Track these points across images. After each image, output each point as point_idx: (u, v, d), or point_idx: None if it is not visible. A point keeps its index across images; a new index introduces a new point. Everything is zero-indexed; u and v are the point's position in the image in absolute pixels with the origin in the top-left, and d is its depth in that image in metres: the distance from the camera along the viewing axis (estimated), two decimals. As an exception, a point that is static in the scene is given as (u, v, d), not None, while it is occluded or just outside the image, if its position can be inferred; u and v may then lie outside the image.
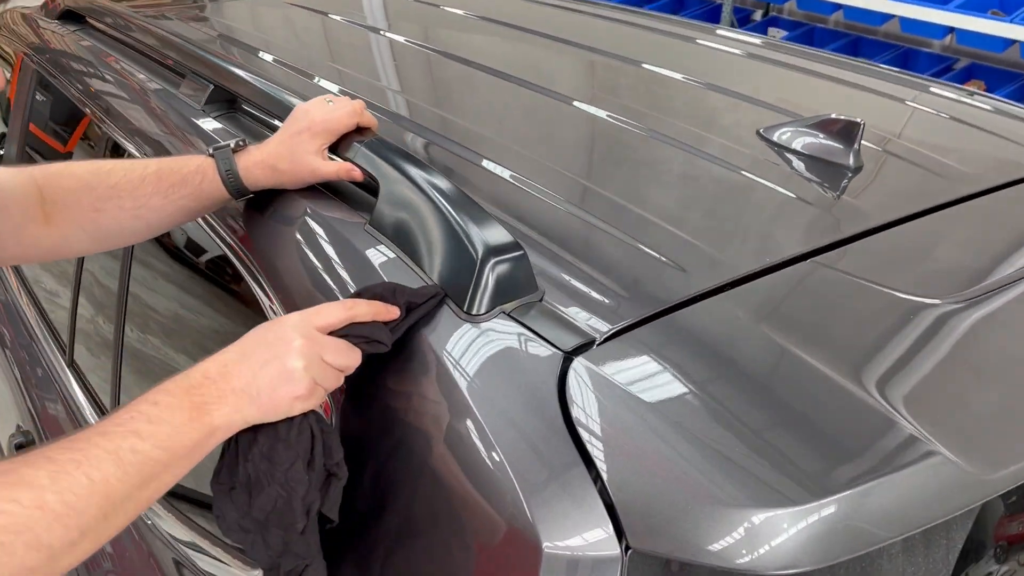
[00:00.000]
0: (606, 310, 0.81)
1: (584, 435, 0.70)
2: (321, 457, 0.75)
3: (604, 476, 0.68)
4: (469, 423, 0.73)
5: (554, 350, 0.76)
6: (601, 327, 0.78)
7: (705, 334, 0.80)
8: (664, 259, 0.89)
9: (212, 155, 0.99)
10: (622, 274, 0.88)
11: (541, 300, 0.82)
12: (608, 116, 1.28)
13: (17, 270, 1.86)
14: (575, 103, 1.33)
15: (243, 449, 0.75)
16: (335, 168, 0.97)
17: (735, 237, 0.98)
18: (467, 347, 0.78)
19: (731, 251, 0.94)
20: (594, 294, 0.83)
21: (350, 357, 0.76)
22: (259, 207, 1.03)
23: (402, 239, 0.89)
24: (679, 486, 0.66)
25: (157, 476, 0.67)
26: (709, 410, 0.71)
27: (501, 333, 0.78)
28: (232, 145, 0.99)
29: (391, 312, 0.78)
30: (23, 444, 1.51)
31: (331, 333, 0.77)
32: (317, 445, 0.74)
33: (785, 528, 0.64)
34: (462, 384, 0.75)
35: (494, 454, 0.71)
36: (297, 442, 0.74)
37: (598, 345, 0.76)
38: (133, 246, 1.26)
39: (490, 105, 1.38)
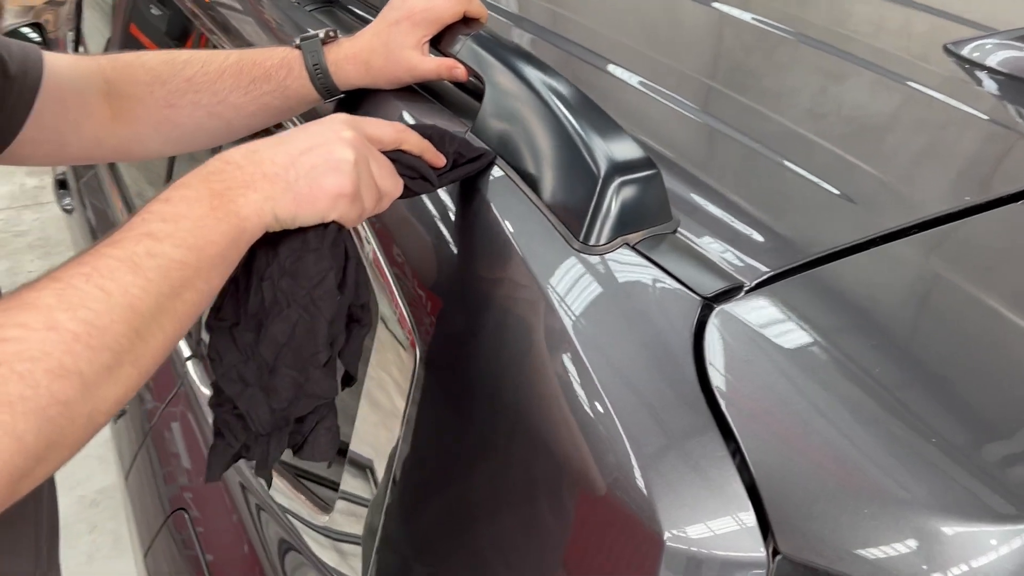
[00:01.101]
0: (759, 249, 0.65)
1: (723, 402, 0.55)
2: (354, 285, 0.62)
3: (746, 454, 0.53)
4: (575, 373, 0.59)
5: (691, 295, 0.60)
6: (752, 270, 0.62)
7: (887, 290, 0.63)
8: (832, 189, 0.72)
9: (299, 47, 0.86)
10: (779, 205, 0.71)
11: (675, 232, 0.67)
12: (757, 20, 1.08)
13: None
14: (716, 3, 1.14)
15: (258, 268, 0.61)
16: (435, 65, 0.83)
17: (921, 168, 0.79)
18: (579, 283, 0.63)
19: (918, 185, 0.76)
20: (743, 228, 0.67)
21: (394, 182, 0.65)
22: (349, 110, 0.90)
23: (509, 150, 0.74)
24: (849, 480, 0.51)
25: (188, 281, 0.54)
26: (892, 388, 0.55)
27: (623, 269, 0.63)
28: (321, 36, 0.86)
29: (439, 159, 0.69)
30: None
31: None
32: (351, 266, 0.62)
33: (993, 547, 0.48)
34: (568, 326, 0.61)
35: (603, 410, 0.57)
36: (331, 254, 0.61)
37: (747, 292, 0.60)
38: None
39: (618, 3, 1.20)
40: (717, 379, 0.56)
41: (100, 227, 1.84)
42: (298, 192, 0.59)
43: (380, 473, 0.81)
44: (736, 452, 0.54)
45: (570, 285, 0.64)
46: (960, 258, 0.66)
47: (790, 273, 0.62)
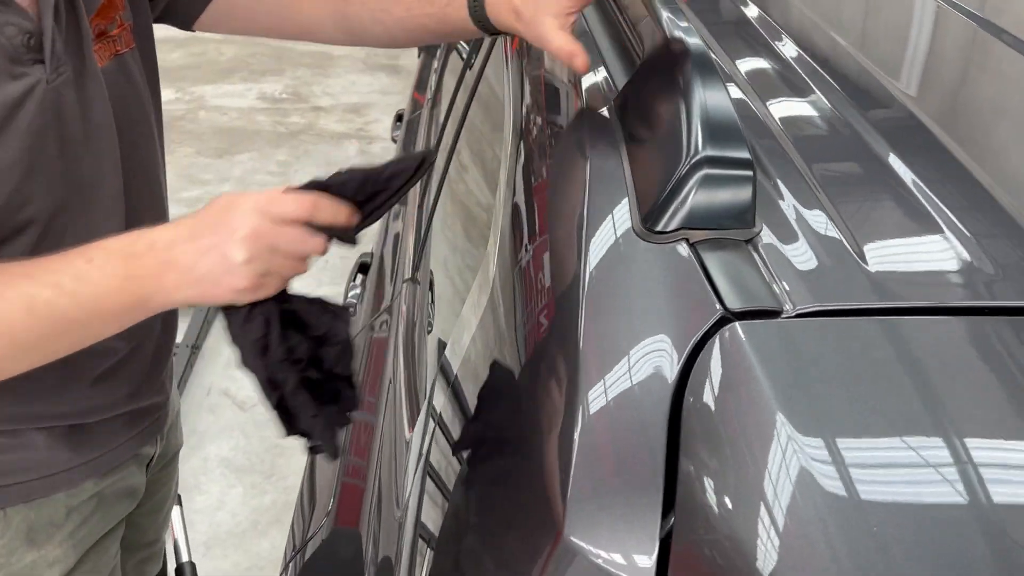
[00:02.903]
0: (843, 280, 0.55)
1: (686, 442, 0.49)
2: (278, 345, 0.69)
3: (676, 524, 0.47)
4: (568, 363, 0.56)
5: (715, 304, 0.54)
6: (811, 296, 0.53)
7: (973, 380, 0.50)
8: (981, 251, 0.58)
9: None
10: (904, 248, 0.60)
11: (750, 242, 0.59)
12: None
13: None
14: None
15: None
16: (560, 44, 0.80)
17: None
18: (618, 267, 0.59)
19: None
20: (846, 256, 0.57)
21: (309, 244, 0.68)
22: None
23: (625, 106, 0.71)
24: None
25: (72, 332, 0.66)
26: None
27: (667, 264, 0.58)
28: None
29: (351, 219, 0.70)
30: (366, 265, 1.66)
31: None
32: (272, 332, 0.69)
33: None
34: (582, 311, 0.58)
35: (568, 411, 0.53)
36: (244, 331, 0.69)
37: (786, 317, 0.52)
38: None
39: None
40: (694, 411, 0.49)
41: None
42: (202, 289, 0.67)
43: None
44: (669, 514, 0.47)
45: (609, 267, 0.60)
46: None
47: (867, 313, 0.52)
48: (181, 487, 1.23)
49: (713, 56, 0.69)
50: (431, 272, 1.26)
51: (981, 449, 0.45)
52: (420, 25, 0.93)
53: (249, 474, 2.43)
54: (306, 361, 0.71)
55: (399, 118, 2.50)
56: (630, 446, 0.50)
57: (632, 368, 0.53)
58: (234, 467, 2.44)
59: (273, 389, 0.71)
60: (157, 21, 0.93)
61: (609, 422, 0.52)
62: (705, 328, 0.52)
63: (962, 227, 0.59)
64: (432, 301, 1.19)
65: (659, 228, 0.60)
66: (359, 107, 4.50)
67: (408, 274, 1.38)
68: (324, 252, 0.70)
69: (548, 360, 0.60)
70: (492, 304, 0.78)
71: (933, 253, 0.58)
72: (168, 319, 0.97)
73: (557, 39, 0.80)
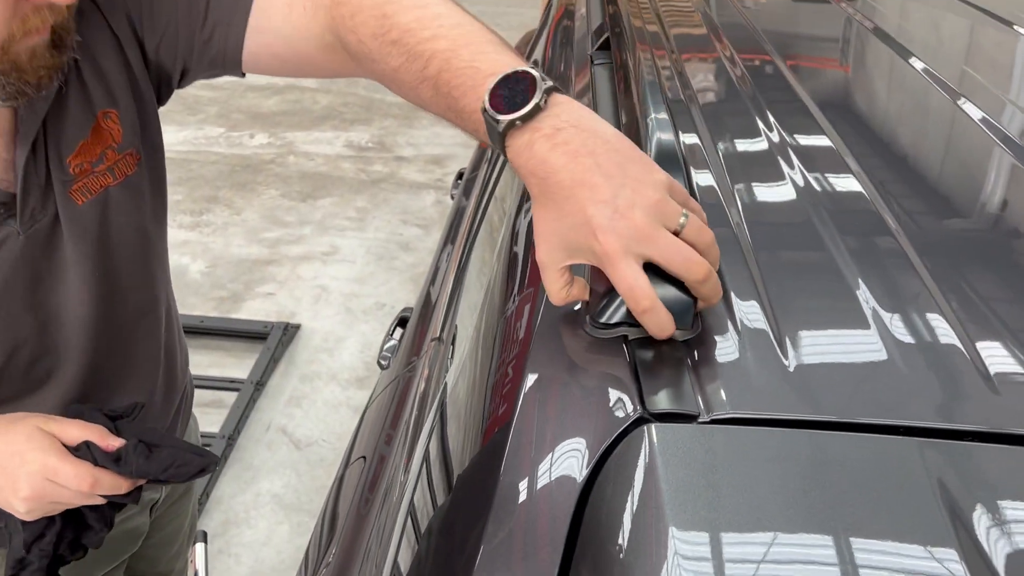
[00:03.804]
0: (763, 387, 0.56)
1: (584, 539, 0.50)
2: (49, 543, 0.83)
3: None
4: (497, 444, 0.59)
5: (635, 404, 0.55)
6: (731, 404, 0.54)
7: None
8: (976, 366, 0.58)
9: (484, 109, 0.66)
10: (829, 352, 0.60)
11: (686, 342, 0.61)
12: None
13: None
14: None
15: None
16: (555, 286, 0.64)
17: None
18: (559, 354, 0.62)
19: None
20: (772, 360, 0.58)
21: (87, 500, 0.80)
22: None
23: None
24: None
25: None
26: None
27: (601, 358, 0.60)
28: (503, 125, 0.64)
29: (130, 487, 0.82)
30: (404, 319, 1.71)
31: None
32: (49, 532, 0.82)
33: None
34: (522, 393, 0.60)
35: (485, 508, 0.56)
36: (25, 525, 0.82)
37: (700, 423, 0.54)
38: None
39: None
40: (592, 510, 0.51)
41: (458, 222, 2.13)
42: None
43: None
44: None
45: (553, 352, 0.63)
46: None
47: (770, 424, 0.53)
48: (231, 519, 1.28)
49: (679, 147, 0.71)
50: (455, 328, 1.30)
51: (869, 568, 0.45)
52: (442, 114, 0.78)
53: (297, 512, 2.49)
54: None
55: (460, 175, 2.59)
56: (536, 537, 0.52)
57: (553, 458, 0.55)
58: (284, 504, 2.51)
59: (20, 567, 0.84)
60: (203, 76, 0.91)
61: (523, 510, 0.54)
62: (622, 427, 0.54)
63: (895, 336, 0.59)
64: (452, 356, 1.23)
65: (602, 321, 0.62)
66: (440, 158, 4.63)
67: (437, 332, 1.42)
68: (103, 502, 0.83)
69: (490, 434, 0.63)
70: (465, 366, 0.82)
71: (856, 357, 0.58)
72: (170, 376, 1.02)
73: (549, 278, 0.64)
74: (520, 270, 0.86)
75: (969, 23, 1.44)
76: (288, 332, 3.14)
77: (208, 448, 0.94)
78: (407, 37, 0.74)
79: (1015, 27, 1.29)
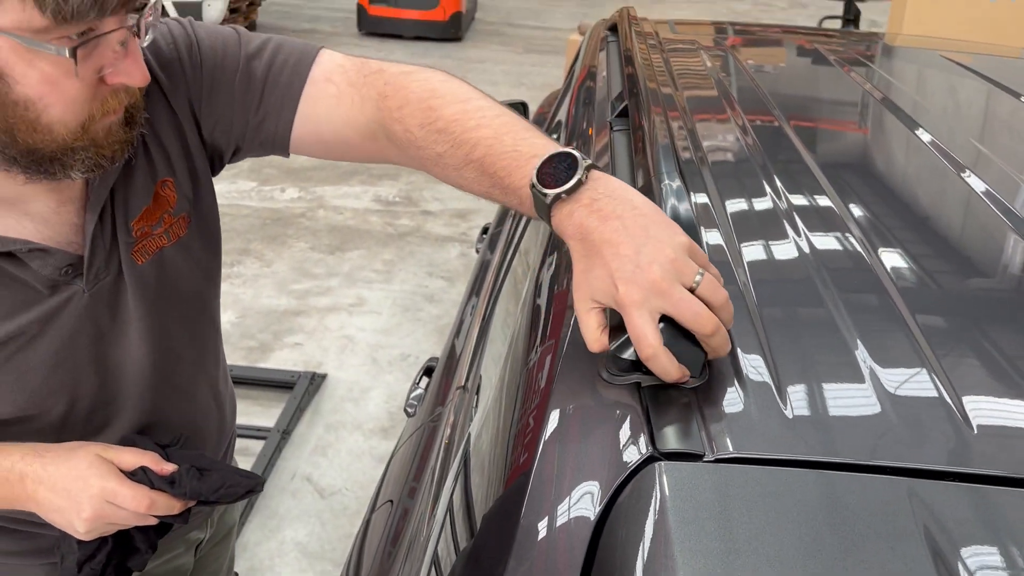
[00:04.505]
0: (763, 429, 0.61)
1: (599, 566, 0.55)
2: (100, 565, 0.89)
3: None
4: (519, 484, 0.64)
5: (647, 444, 0.61)
6: (734, 445, 0.60)
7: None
8: (960, 413, 0.63)
9: (533, 185, 0.74)
10: (826, 397, 0.65)
11: (695, 389, 0.66)
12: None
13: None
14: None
15: None
16: (588, 326, 0.69)
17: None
18: (579, 401, 0.68)
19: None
20: (772, 405, 0.63)
21: (143, 520, 0.87)
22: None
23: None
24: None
25: None
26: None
27: (617, 404, 0.66)
28: (551, 198, 0.72)
29: (182, 509, 0.89)
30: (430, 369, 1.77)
31: None
32: (99, 554, 0.90)
33: None
34: (544, 434, 0.66)
35: (508, 540, 0.61)
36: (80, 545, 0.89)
37: (705, 461, 0.59)
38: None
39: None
40: (607, 538, 0.56)
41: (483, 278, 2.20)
42: (54, 519, 0.87)
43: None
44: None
45: (573, 398, 0.68)
46: None
47: (770, 463, 0.58)
48: (256, 567, 1.32)
49: (691, 208, 0.77)
50: (480, 378, 1.35)
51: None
52: (488, 192, 0.84)
53: (320, 561, 2.53)
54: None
55: (485, 230, 2.67)
56: (556, 570, 0.57)
57: (571, 494, 0.61)
58: (308, 552, 2.54)
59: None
60: (253, 155, 0.98)
61: (543, 544, 0.59)
62: (635, 464, 0.59)
63: (887, 384, 0.64)
64: (476, 405, 1.28)
65: (615, 358, 0.68)
66: (465, 212, 4.74)
67: (462, 381, 1.48)
68: (156, 523, 0.90)
69: (513, 478, 0.68)
70: (489, 415, 0.87)
71: (851, 405, 0.63)
72: (220, 423, 1.09)
73: (585, 321, 0.70)
74: (543, 322, 0.92)
75: (977, 93, 1.50)
76: (315, 382, 3.21)
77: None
78: (453, 127, 0.83)
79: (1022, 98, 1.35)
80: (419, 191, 4.99)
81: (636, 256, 0.67)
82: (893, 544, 0.52)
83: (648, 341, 0.64)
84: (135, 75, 0.76)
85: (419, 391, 1.64)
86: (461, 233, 4.51)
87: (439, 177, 0.89)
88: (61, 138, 0.74)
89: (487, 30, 8.88)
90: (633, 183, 1.05)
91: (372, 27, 8.07)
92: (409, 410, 1.63)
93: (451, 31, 8.04)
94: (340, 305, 3.79)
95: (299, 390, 3.11)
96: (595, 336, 0.69)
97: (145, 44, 0.77)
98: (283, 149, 0.95)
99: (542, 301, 0.99)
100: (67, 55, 0.69)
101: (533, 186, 0.74)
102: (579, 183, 0.72)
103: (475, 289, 2.06)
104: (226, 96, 0.91)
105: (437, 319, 3.70)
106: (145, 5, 0.76)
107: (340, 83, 0.91)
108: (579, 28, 5.46)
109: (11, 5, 0.66)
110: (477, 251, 2.63)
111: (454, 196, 4.92)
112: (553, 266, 1.02)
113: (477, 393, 1.31)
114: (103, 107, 0.76)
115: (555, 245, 1.09)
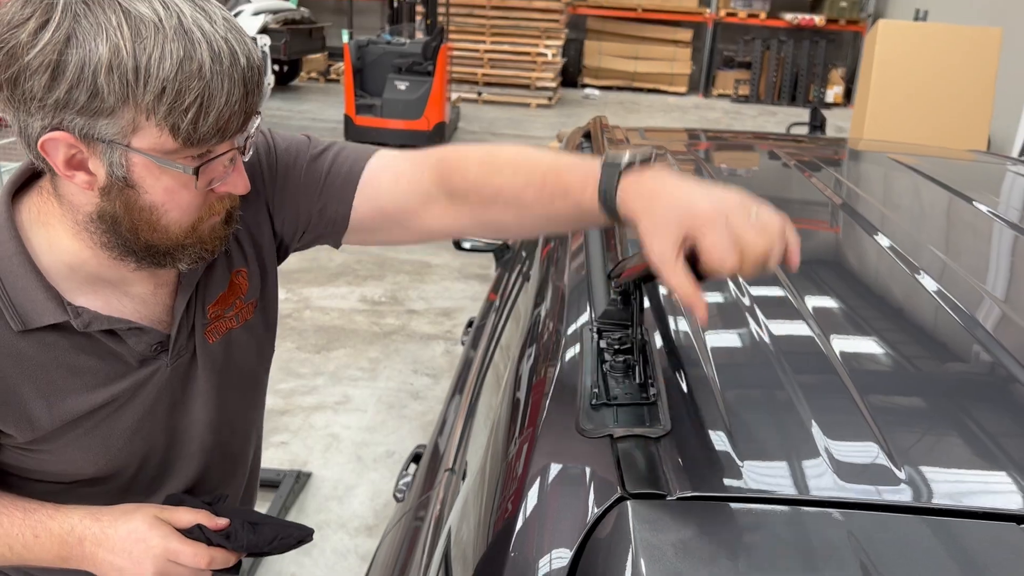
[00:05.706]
0: (718, 472, 0.69)
1: None
2: None
3: None
4: (498, 523, 0.71)
5: (617, 486, 0.68)
6: (693, 486, 0.67)
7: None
8: (884, 451, 0.72)
9: (601, 170, 0.84)
10: (774, 442, 0.73)
11: (659, 439, 0.74)
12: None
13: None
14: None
15: None
16: (676, 283, 0.74)
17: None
18: (556, 453, 0.75)
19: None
20: (724, 451, 0.72)
21: (202, 559, 0.91)
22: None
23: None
24: None
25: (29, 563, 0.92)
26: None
27: (591, 453, 0.74)
28: (625, 161, 0.83)
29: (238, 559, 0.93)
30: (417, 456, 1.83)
31: None
32: None
33: None
34: (528, 488, 0.73)
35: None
36: None
37: (668, 500, 0.66)
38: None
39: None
40: (583, 569, 0.64)
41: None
42: None
43: None
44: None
45: (551, 452, 0.76)
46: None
47: (724, 500, 0.66)
48: None
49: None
50: (466, 463, 1.42)
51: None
52: (554, 217, 0.91)
53: (304, 660, 2.49)
54: None
55: (470, 323, 2.77)
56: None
57: (554, 527, 0.68)
58: (291, 652, 2.51)
59: None
60: (316, 241, 1.07)
61: (530, 567, 0.66)
62: (607, 503, 0.67)
63: (824, 427, 0.73)
64: (464, 478, 1.34)
65: (592, 425, 0.76)
66: (450, 311, 4.84)
67: (449, 464, 1.54)
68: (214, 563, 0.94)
69: (500, 523, 0.75)
70: (476, 484, 0.94)
71: (793, 452, 0.71)
72: (250, 485, 1.17)
73: (672, 276, 0.74)
74: (520, 416, 1.00)
75: (924, 193, 1.64)
76: (300, 480, 3.22)
77: None
78: (511, 165, 0.93)
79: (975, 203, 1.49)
80: (404, 291, 5.11)
81: (699, 188, 0.76)
82: (822, 566, 0.60)
83: (733, 258, 0.71)
84: (240, 186, 0.88)
85: (407, 478, 1.69)
86: (446, 331, 4.59)
87: (495, 210, 0.94)
88: (175, 236, 0.86)
89: (470, 139, 9.22)
90: (604, 264, 1.16)
91: (358, 137, 8.36)
92: (398, 495, 1.68)
93: (435, 140, 8.34)
94: (326, 403, 3.83)
95: (284, 489, 3.11)
96: (684, 283, 0.73)
97: (247, 159, 0.88)
98: (343, 231, 1.02)
99: (521, 394, 1.07)
100: (191, 173, 0.81)
101: (605, 163, 0.83)
102: (641, 160, 0.82)
103: (458, 386, 2.13)
104: (293, 190, 1.02)
105: (422, 415, 3.75)
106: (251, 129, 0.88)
107: (400, 161, 1.01)
108: (558, 136, 5.71)
109: (149, 131, 0.77)
110: (463, 343, 2.71)
111: (439, 295, 5.04)
112: (530, 359, 1.10)
113: (463, 479, 1.37)
114: (210, 211, 0.87)
115: (534, 339, 1.18)
